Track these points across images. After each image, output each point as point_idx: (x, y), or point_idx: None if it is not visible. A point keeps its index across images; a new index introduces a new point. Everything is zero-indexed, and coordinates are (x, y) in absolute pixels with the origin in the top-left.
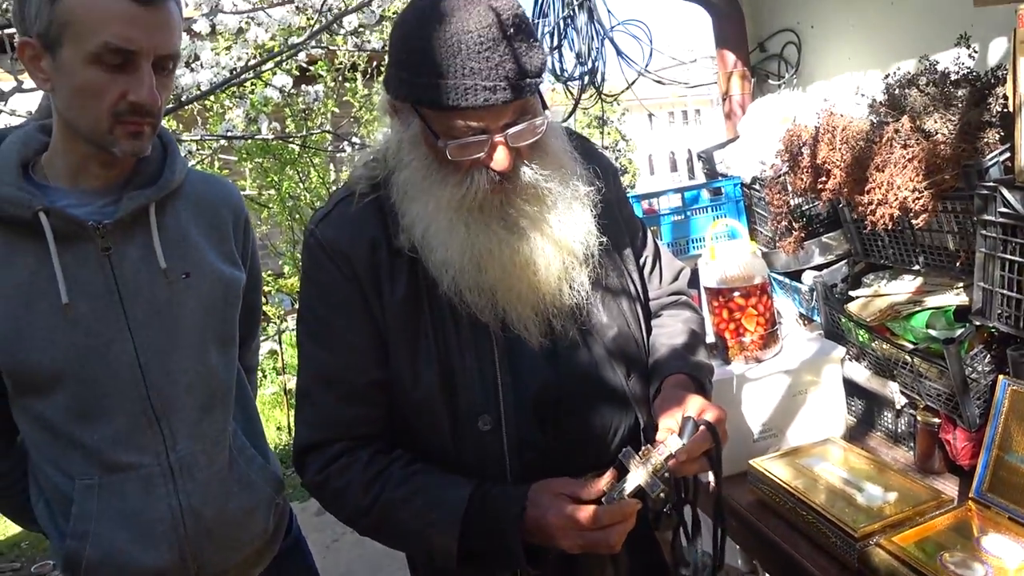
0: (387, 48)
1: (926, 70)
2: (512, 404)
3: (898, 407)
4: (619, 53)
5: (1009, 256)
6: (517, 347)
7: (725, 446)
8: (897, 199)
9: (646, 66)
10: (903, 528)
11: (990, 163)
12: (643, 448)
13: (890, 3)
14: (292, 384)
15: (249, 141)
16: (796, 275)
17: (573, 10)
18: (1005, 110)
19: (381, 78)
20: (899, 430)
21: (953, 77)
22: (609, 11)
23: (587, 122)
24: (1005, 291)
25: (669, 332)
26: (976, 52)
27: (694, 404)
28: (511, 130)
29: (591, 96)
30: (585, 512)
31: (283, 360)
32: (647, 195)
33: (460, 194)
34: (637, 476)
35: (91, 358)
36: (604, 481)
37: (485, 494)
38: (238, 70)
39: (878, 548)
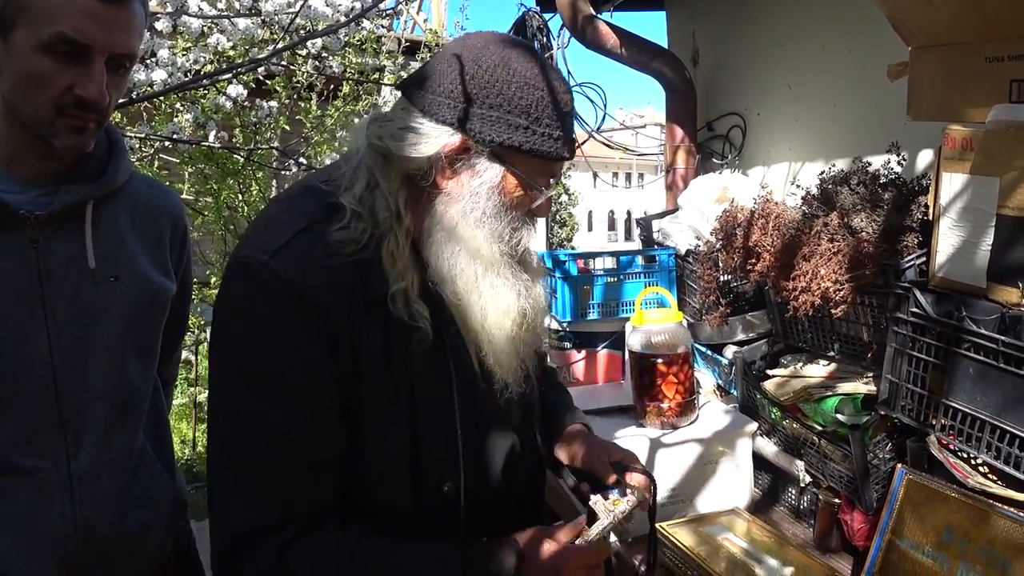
0: (451, 87)
1: (858, 170)
2: (473, 465)
3: (802, 485)
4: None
5: (916, 353)
6: (477, 407)
7: None
8: (820, 288)
9: (597, 128)
10: None
11: (907, 265)
12: (612, 497)
13: (832, 105)
14: (202, 397)
15: (194, 146)
16: (718, 348)
17: None
18: (925, 218)
19: (337, 102)
20: (801, 507)
21: (882, 180)
22: (569, 72)
23: None
24: (910, 385)
25: (554, 390)
26: (905, 160)
27: (616, 450)
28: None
29: None
30: (584, 553)
31: (197, 371)
32: (583, 254)
33: (524, 237)
34: (608, 519)
35: (1, 352)
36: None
37: (476, 553)
38: (194, 73)
39: None
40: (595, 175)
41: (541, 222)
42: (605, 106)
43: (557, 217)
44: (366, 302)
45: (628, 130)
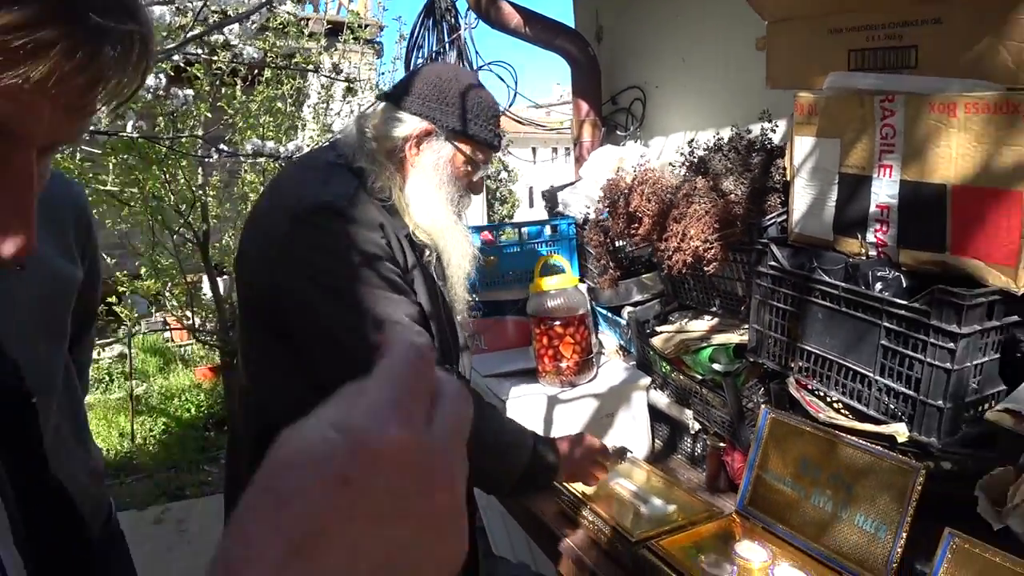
0: (419, 88)
1: (733, 137)
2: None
3: (693, 432)
4: None
5: (776, 303)
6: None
7: None
8: (690, 247)
9: (509, 105)
10: (674, 534)
11: (770, 223)
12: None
13: (720, 75)
14: (140, 390)
15: (112, 137)
16: (618, 310)
17: (444, 47)
18: (786, 179)
19: (260, 87)
20: (696, 453)
21: (756, 146)
22: (477, 52)
23: None
24: (773, 333)
25: None
26: (776, 127)
27: None
28: None
29: None
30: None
31: (131, 364)
32: (488, 227)
33: (466, 205)
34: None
35: None
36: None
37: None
38: None
39: (646, 550)
40: (534, 150)
41: (480, 202)
42: (516, 83)
43: (498, 194)
44: (402, 235)
45: (558, 104)
